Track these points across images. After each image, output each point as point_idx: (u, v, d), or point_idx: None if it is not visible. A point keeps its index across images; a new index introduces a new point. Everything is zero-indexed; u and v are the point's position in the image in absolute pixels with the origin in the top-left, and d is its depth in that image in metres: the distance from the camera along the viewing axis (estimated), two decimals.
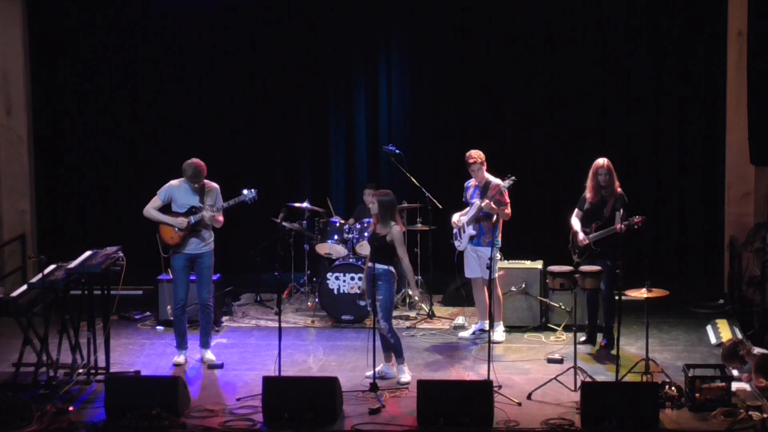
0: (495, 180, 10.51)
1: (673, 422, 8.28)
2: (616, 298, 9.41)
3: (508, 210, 10.48)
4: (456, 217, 10.67)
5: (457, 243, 10.69)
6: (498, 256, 10.67)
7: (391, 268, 9.26)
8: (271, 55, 13.53)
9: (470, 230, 10.49)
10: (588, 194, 10.21)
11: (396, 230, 9.21)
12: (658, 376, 9.06)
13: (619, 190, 10.13)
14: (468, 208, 10.63)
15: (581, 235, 10.09)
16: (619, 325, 9.53)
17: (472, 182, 10.65)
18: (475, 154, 10.51)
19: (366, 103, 13.59)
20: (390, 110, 13.58)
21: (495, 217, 10.21)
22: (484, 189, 10.48)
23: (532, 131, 13.36)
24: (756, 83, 11.26)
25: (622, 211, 9.82)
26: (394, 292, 9.35)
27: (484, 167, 10.52)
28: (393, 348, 9.35)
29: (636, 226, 9.63)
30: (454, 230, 10.71)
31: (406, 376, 9.28)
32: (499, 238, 10.55)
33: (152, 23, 13.55)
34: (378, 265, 9.22)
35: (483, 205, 10.32)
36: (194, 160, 9.72)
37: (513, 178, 10.30)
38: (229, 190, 10.09)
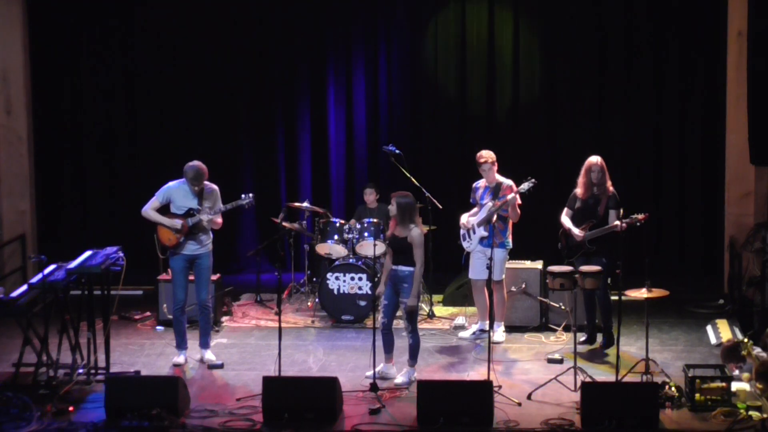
0: (506, 181, 10.46)
1: (673, 422, 8.29)
2: (615, 298, 9.40)
3: (518, 211, 10.46)
4: (465, 218, 10.62)
5: (465, 244, 10.65)
6: (507, 257, 10.64)
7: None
8: (270, 55, 13.53)
9: (481, 231, 10.44)
10: (579, 190, 10.18)
11: (416, 232, 9.12)
12: (658, 376, 9.06)
13: (611, 189, 10.11)
14: (475, 209, 10.61)
15: (576, 231, 10.06)
16: (619, 325, 9.52)
17: (481, 183, 10.59)
18: (486, 154, 10.43)
19: (366, 102, 13.58)
20: (390, 110, 13.58)
21: (495, 217, 10.19)
22: (496, 190, 10.42)
23: (532, 131, 13.35)
24: (756, 83, 11.23)
25: (621, 210, 9.81)
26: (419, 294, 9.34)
27: (495, 167, 10.45)
28: (410, 349, 9.29)
29: (638, 224, 9.62)
30: (462, 231, 10.68)
31: (403, 378, 9.23)
32: (510, 239, 10.54)
33: (152, 23, 13.54)
34: (403, 267, 9.18)
35: (496, 207, 10.29)
36: (196, 162, 9.70)
37: (533, 181, 10.21)
38: (228, 191, 10.10)
